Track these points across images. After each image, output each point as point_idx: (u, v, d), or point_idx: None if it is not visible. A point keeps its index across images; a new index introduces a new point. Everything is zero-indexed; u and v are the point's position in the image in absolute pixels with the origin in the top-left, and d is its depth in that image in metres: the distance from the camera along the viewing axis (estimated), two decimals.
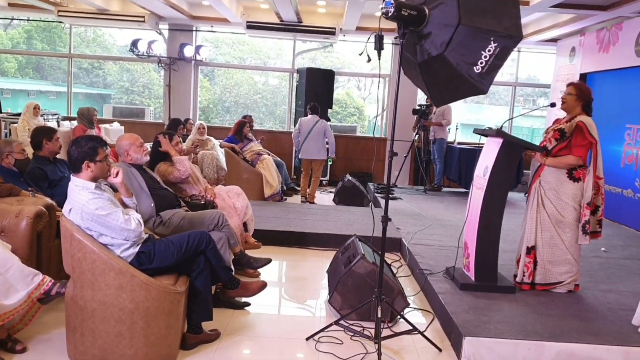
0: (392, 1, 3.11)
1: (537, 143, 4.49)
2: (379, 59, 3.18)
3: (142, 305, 3.02)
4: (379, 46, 3.16)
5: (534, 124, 15.29)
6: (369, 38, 3.28)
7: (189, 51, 10.69)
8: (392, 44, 10.73)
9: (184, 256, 3.34)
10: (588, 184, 4.15)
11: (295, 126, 8.85)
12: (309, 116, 8.36)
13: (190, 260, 3.39)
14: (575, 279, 4.33)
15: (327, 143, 8.32)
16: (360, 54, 3.41)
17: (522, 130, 15.48)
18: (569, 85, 4.39)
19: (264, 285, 4.05)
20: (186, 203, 4.52)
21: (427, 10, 3.25)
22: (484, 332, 3.49)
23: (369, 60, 3.31)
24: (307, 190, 8.52)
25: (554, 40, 10.01)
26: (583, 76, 8.92)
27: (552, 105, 4.55)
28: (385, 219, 3.46)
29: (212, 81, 16.48)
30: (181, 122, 8.37)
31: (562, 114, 4.45)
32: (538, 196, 4.31)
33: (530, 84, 13.42)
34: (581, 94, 4.25)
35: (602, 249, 5.86)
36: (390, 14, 3.14)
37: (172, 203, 4.21)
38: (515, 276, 4.47)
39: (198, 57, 10.92)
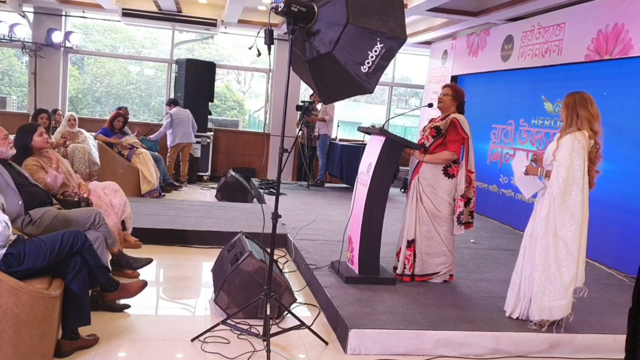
0: None
1: (413, 141, 4.70)
2: (269, 54, 3.15)
3: (11, 313, 2.76)
4: (269, 41, 3.13)
5: (407, 122, 16.04)
6: (258, 32, 3.24)
7: (57, 37, 9.95)
8: (276, 39, 10.72)
9: (58, 257, 3.10)
10: (461, 178, 4.43)
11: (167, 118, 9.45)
12: (176, 107, 9.37)
13: (64, 262, 3.15)
14: (450, 269, 4.60)
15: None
16: (250, 48, 3.37)
17: (397, 129, 16.16)
18: (445, 86, 4.66)
19: (144, 284, 3.88)
20: (58, 200, 4.20)
21: (316, 8, 3.27)
22: (369, 324, 3.59)
23: (259, 54, 3.27)
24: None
25: (428, 43, 10.54)
26: (454, 78, 9.48)
27: (430, 105, 4.78)
28: (276, 216, 3.44)
29: (82, 70, 15.50)
30: (44, 111, 7.73)
31: (435, 114, 4.70)
32: (417, 192, 4.51)
33: (405, 84, 14.03)
34: (456, 94, 4.56)
35: (472, 240, 6.28)
36: (280, 9, 3.12)
37: (43, 200, 3.89)
38: (395, 268, 4.66)
39: (68, 44, 10.20)
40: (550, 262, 3.64)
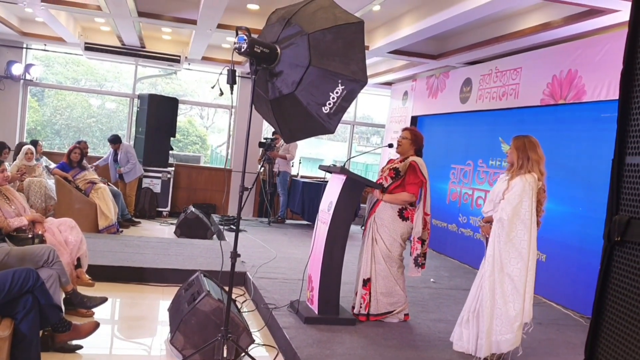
0: (245, 37, 3.13)
1: (372, 179, 4.76)
2: (232, 93, 3.16)
3: None
4: (232, 80, 3.15)
5: (368, 160, 16.24)
6: (221, 72, 3.25)
7: (17, 69, 9.80)
8: (239, 76, 10.79)
9: (8, 296, 3.01)
10: (417, 220, 4.49)
11: (124, 152, 9.38)
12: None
13: (15, 301, 3.04)
14: (403, 308, 4.61)
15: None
16: (212, 87, 3.37)
17: (358, 166, 16.34)
18: (404, 129, 4.75)
19: (96, 325, 3.77)
20: (10, 237, 4.07)
21: (279, 49, 3.31)
22: None
23: (222, 93, 3.28)
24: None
25: (389, 83, 10.75)
26: (414, 119, 9.66)
27: (390, 145, 4.86)
28: (234, 255, 3.40)
29: (42, 101, 15.24)
30: (6, 146, 7.65)
31: (395, 155, 4.79)
32: (372, 231, 4.56)
33: (366, 123, 14.24)
34: (415, 139, 4.66)
35: (432, 280, 6.31)
36: (242, 50, 3.15)
37: None
38: (353, 307, 4.64)
39: (28, 77, 10.05)
40: (496, 298, 3.77)
